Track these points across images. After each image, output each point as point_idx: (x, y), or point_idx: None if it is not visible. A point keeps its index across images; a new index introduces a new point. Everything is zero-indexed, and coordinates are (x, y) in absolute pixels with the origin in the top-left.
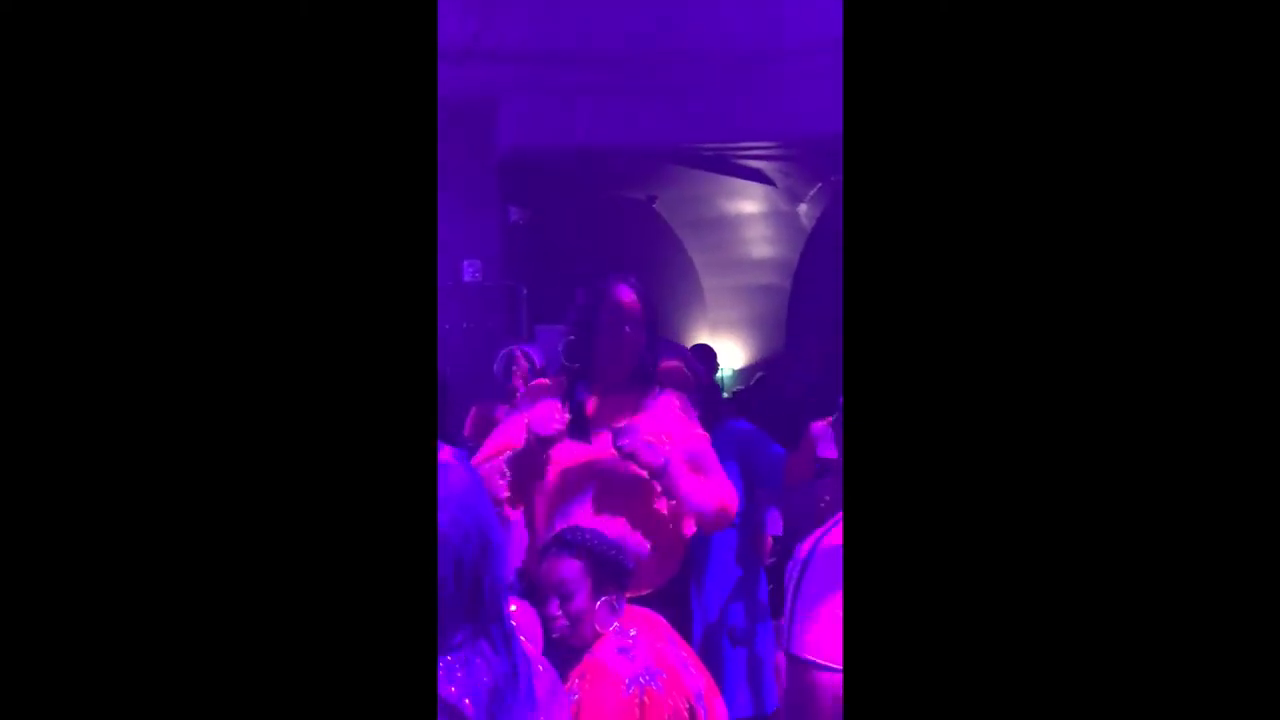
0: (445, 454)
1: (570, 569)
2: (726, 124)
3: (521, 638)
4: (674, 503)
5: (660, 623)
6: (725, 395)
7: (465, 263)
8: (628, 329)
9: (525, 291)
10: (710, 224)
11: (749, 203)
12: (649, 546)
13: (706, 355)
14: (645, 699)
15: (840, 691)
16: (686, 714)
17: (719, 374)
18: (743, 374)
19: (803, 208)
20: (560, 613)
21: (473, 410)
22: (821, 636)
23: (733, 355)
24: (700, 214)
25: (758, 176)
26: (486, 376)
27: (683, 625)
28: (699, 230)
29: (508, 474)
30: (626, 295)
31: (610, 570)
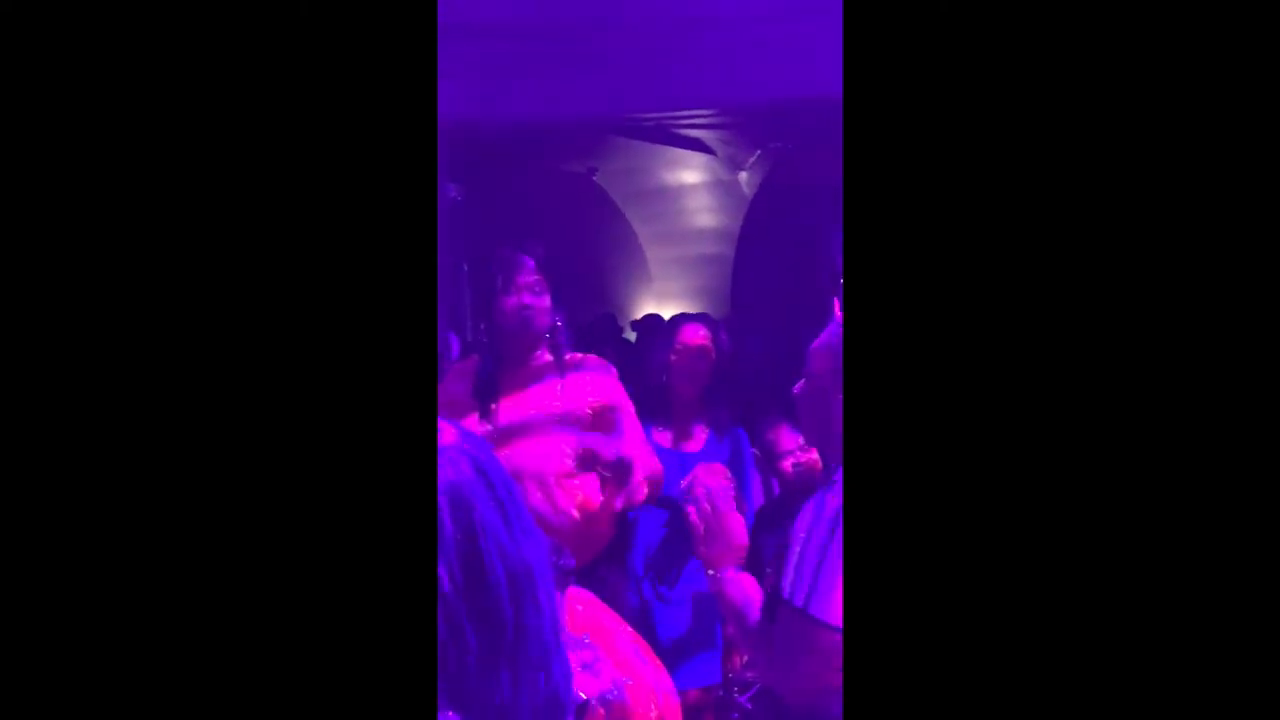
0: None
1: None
2: (664, 93)
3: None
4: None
5: (594, 602)
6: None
7: None
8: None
9: (466, 268)
10: (652, 195)
11: (690, 172)
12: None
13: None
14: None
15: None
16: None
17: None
18: None
19: (743, 175)
20: None
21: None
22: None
23: None
24: (642, 185)
25: (697, 145)
26: None
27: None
28: (641, 202)
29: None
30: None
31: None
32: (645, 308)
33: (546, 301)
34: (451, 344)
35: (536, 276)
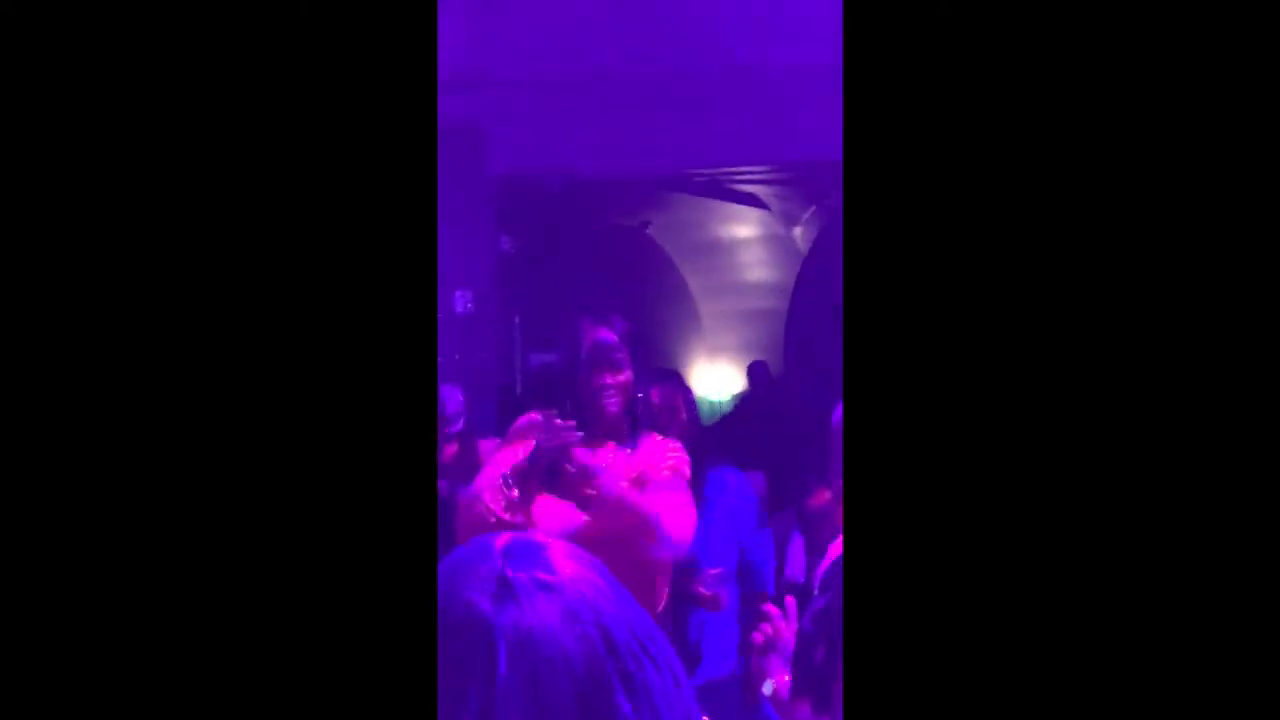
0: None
1: None
2: (720, 148)
3: None
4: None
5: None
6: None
7: (457, 293)
8: (607, 378)
9: (518, 320)
10: (706, 249)
11: (744, 227)
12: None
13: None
14: None
15: None
16: None
17: (712, 400)
18: (736, 400)
19: (798, 231)
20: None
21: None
22: None
23: (731, 380)
24: (695, 239)
25: (752, 200)
26: (479, 406)
27: None
28: (694, 255)
29: (510, 485)
30: (605, 336)
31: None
32: (698, 361)
33: (627, 377)
34: (451, 400)
35: (621, 353)
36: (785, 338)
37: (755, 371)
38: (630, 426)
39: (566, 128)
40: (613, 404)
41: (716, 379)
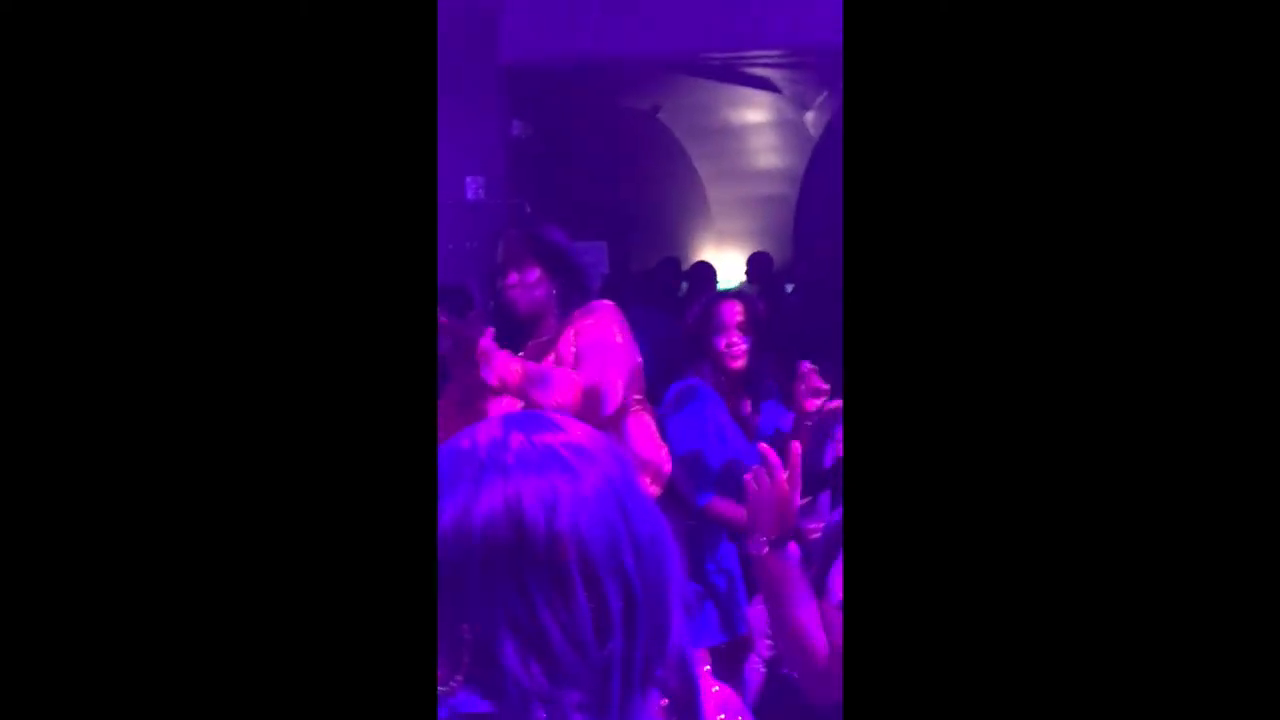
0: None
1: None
2: (733, 31)
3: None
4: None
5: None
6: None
7: (468, 179)
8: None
9: (529, 209)
10: (716, 134)
11: (755, 111)
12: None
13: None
14: None
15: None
16: None
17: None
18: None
19: (809, 116)
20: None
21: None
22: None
23: (739, 267)
24: (706, 123)
25: (764, 84)
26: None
27: None
28: (704, 140)
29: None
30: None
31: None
32: (705, 248)
33: (534, 275)
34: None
35: (525, 250)
36: (794, 226)
37: (756, 262)
38: (554, 322)
39: (577, 12)
40: (521, 303)
41: (724, 266)
